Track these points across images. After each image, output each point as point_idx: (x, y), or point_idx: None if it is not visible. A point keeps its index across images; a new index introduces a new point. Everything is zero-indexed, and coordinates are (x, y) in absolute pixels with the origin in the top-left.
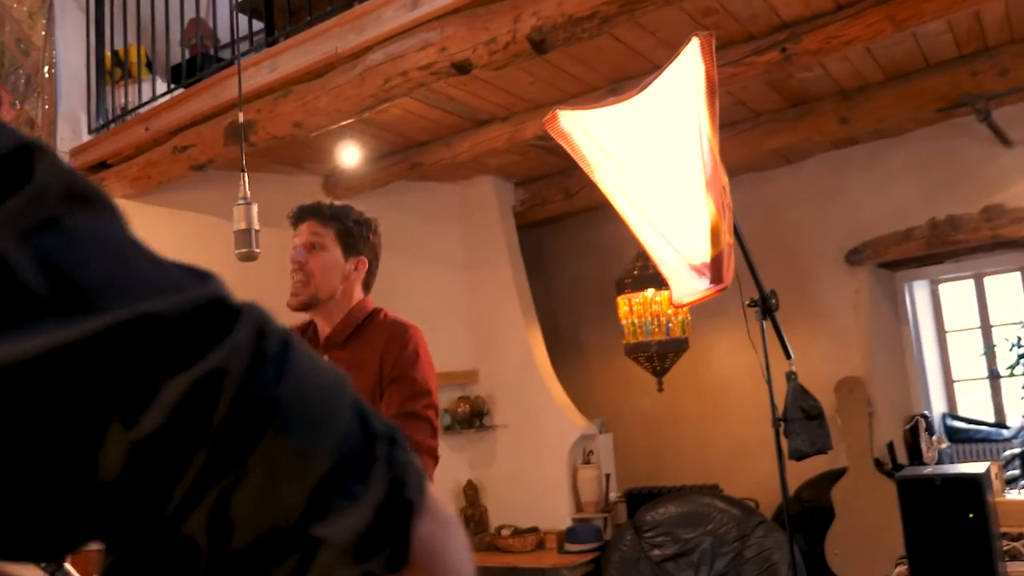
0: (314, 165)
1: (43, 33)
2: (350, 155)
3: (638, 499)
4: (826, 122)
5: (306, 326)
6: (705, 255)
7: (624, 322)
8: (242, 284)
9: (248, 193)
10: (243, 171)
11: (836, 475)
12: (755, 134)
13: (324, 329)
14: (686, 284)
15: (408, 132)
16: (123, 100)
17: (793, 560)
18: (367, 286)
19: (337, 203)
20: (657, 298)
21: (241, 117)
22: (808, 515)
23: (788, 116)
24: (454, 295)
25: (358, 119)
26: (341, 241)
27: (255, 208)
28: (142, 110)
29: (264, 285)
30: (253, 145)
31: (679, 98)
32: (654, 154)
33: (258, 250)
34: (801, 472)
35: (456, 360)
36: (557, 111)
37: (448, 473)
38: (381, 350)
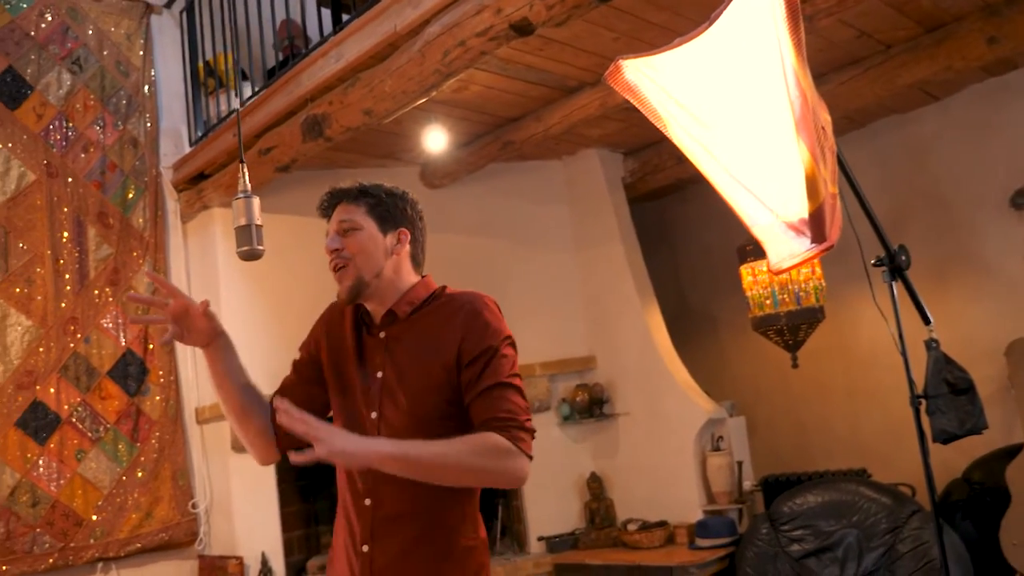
0: (409, 154)
1: (141, 53)
2: (436, 140)
3: (775, 487)
4: (971, 45)
5: (347, 311)
6: (802, 210)
7: (749, 293)
8: (332, 287)
9: (248, 186)
10: (241, 162)
11: (1012, 452)
12: (886, 69)
13: (378, 311)
14: (783, 246)
15: (493, 109)
16: (217, 110)
17: (944, 560)
18: (416, 261)
19: (366, 182)
20: None
21: (238, 107)
22: (979, 499)
23: (924, 44)
24: (566, 279)
25: (435, 101)
26: (375, 215)
27: (256, 201)
28: (232, 117)
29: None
30: (330, 140)
31: (755, 28)
32: (732, 98)
33: (261, 247)
34: (970, 450)
35: (572, 346)
36: (620, 60)
37: (570, 465)
38: (459, 326)
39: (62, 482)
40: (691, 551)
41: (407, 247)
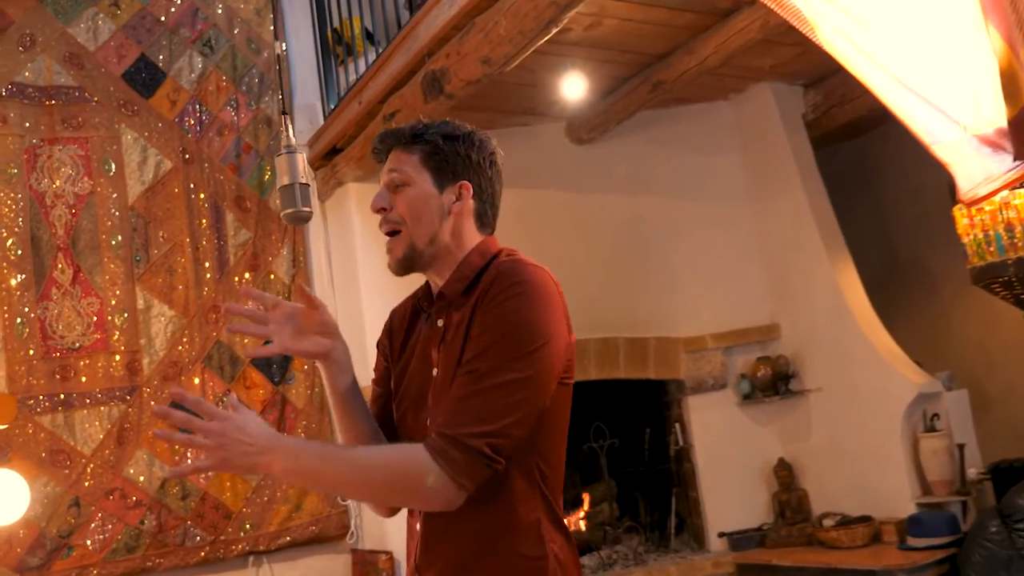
0: (550, 108)
1: (271, 28)
2: (574, 87)
3: (1009, 476)
4: None
5: (418, 296)
6: (998, 117)
7: (965, 239)
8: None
9: (293, 140)
10: (284, 113)
11: None
12: None
13: (438, 286)
14: (977, 166)
15: (635, 45)
16: (346, 80)
17: None
18: (484, 219)
19: (427, 120)
20: (1016, 200)
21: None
22: None
23: None
24: (739, 237)
25: (568, 43)
26: (430, 165)
27: (301, 157)
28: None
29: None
30: (451, 97)
31: None
32: None
33: (308, 209)
34: None
35: (750, 314)
36: None
37: (754, 451)
38: (475, 307)
39: (211, 474)
40: (901, 552)
41: (470, 203)
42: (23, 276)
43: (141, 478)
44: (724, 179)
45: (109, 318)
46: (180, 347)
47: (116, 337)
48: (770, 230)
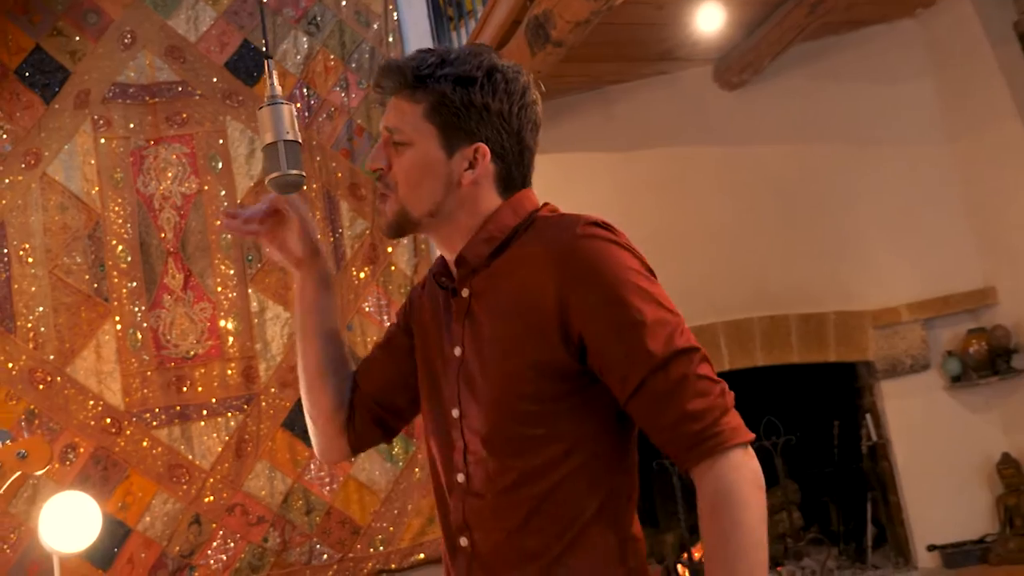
0: (690, 51)
1: None
2: (709, 18)
3: None
4: None
5: (434, 272)
6: None
7: None
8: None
9: (278, 88)
10: (268, 58)
11: None
12: None
13: (450, 259)
14: None
15: None
16: (459, 43)
17: None
18: (509, 183)
19: (441, 50)
20: None
21: None
22: None
23: None
24: (936, 183)
25: None
26: (437, 120)
27: (288, 109)
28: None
29: (647, 223)
30: (559, 44)
31: None
32: None
33: (296, 172)
34: None
35: (955, 277)
36: None
37: (969, 445)
38: (551, 273)
39: (335, 486)
40: None
41: (489, 166)
42: (134, 284)
43: (262, 492)
44: (913, 114)
45: (222, 323)
46: (296, 351)
47: (230, 343)
48: (976, 172)
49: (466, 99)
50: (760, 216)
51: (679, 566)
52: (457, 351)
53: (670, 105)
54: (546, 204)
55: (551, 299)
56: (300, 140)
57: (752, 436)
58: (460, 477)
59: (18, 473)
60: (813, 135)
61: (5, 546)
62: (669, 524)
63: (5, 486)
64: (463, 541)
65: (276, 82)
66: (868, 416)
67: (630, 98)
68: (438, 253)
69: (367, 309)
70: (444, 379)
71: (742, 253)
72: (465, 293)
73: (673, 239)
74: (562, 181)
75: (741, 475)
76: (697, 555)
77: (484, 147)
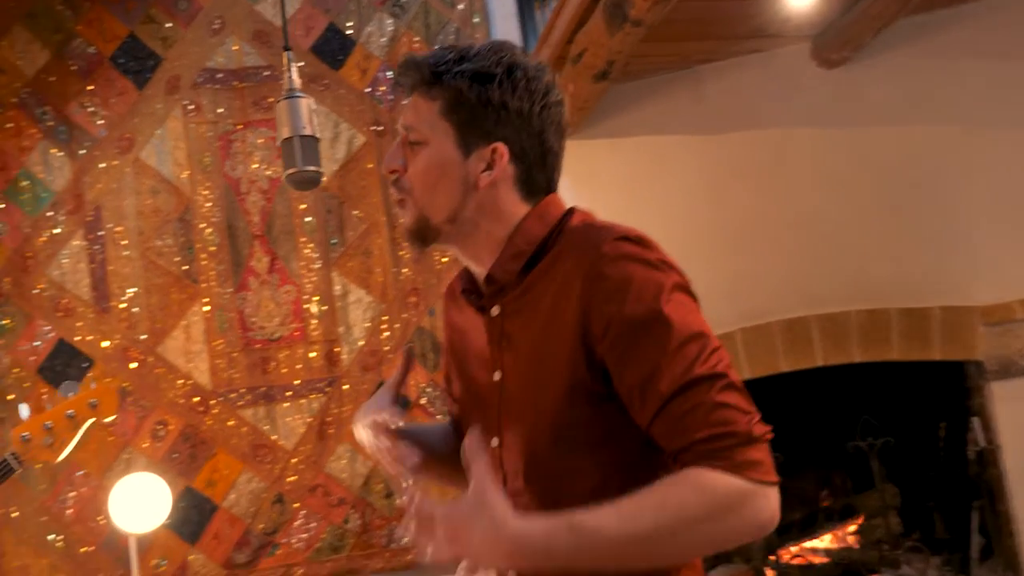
0: (786, 25)
1: None
2: None
3: None
4: None
5: (462, 284)
6: None
7: None
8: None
9: (296, 81)
10: (286, 48)
11: None
12: None
13: (479, 272)
14: None
15: None
16: (543, 19)
17: None
18: (531, 187)
19: (462, 46)
20: None
21: None
22: None
23: None
24: None
25: None
26: (454, 119)
27: (306, 103)
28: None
29: (739, 209)
30: (638, 24)
31: None
32: None
33: (314, 168)
34: None
35: None
36: None
37: None
38: (576, 289)
39: None
40: None
41: (507, 169)
42: (222, 267)
43: (343, 475)
44: None
45: (306, 307)
46: (379, 335)
47: (313, 326)
48: None
49: (483, 96)
50: (860, 203)
51: (767, 569)
52: (496, 376)
53: (764, 85)
54: (574, 210)
55: (575, 322)
56: (318, 135)
57: (773, 479)
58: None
59: (91, 420)
60: (919, 116)
61: (100, 517)
62: None
63: (80, 434)
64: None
65: (295, 75)
66: (976, 419)
67: (721, 78)
68: None
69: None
70: (485, 405)
71: (839, 242)
72: (496, 312)
73: (765, 226)
74: (648, 165)
75: (732, 488)
76: (786, 557)
77: (502, 147)
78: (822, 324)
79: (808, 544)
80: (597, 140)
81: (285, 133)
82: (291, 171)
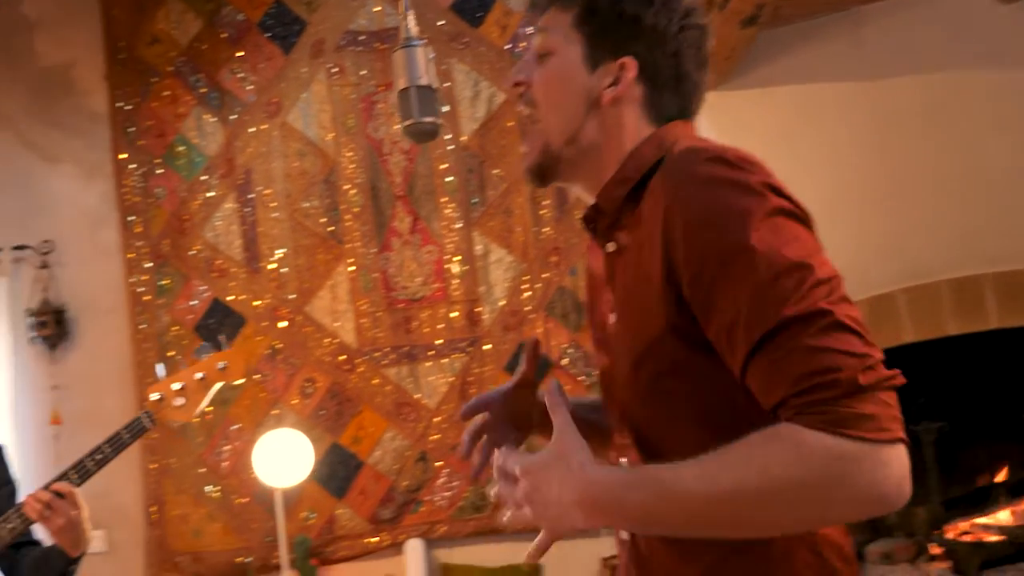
0: None
1: None
2: None
3: None
4: None
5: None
6: None
7: None
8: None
9: (412, 29)
10: None
11: None
12: None
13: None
14: None
15: None
16: None
17: None
18: (660, 110)
19: None
20: None
21: None
22: None
23: None
24: None
25: None
26: (585, 29)
27: (423, 52)
28: None
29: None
30: None
31: None
32: None
33: (431, 119)
34: None
35: None
36: None
37: None
38: (659, 217)
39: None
40: None
41: (634, 88)
42: (366, 228)
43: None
44: None
45: (447, 266)
46: (519, 295)
47: (455, 286)
48: None
49: (617, 8)
50: None
51: (931, 545)
52: (612, 319)
53: (933, 24)
54: (691, 134)
55: (660, 258)
56: (436, 85)
57: (890, 436)
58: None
59: (220, 384)
60: None
61: (252, 470)
62: (921, 497)
63: (210, 396)
64: (623, 533)
65: (411, 23)
66: None
67: (883, 18)
68: None
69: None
70: (606, 351)
71: (1018, 193)
72: (611, 248)
73: (932, 178)
74: (801, 116)
75: (831, 446)
76: (953, 533)
77: (631, 62)
78: (997, 283)
79: (980, 520)
80: (745, 91)
81: (401, 84)
82: (408, 123)
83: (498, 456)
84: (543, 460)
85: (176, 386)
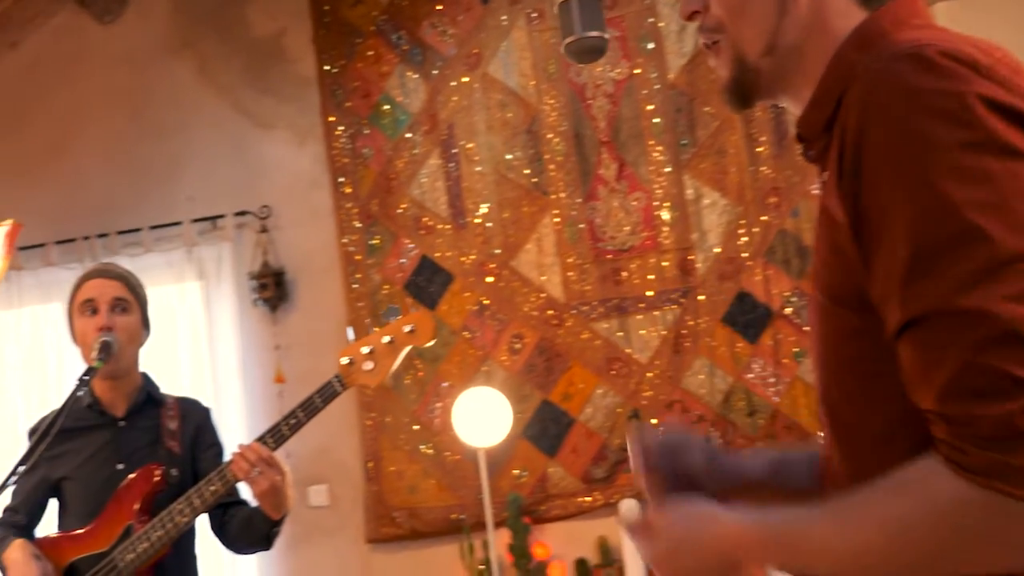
0: None
1: None
2: None
3: None
4: None
5: None
6: None
7: None
8: None
9: None
10: None
11: None
12: None
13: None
14: None
15: None
16: None
17: None
18: None
19: None
20: None
21: None
22: None
23: None
24: None
25: None
26: None
27: None
28: None
29: None
30: None
31: None
32: None
33: (596, 34)
34: None
35: None
36: None
37: None
38: (846, 143)
39: (781, 387)
40: None
41: None
42: (570, 177)
43: (702, 390)
44: None
45: (656, 213)
46: (735, 240)
47: (665, 234)
48: None
49: None
50: None
51: None
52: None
53: None
54: (912, 22)
55: (840, 196)
56: None
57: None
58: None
59: (409, 347)
60: None
61: None
62: None
63: (399, 359)
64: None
65: None
66: None
67: None
68: None
69: (814, 191)
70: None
71: None
72: (816, 189)
73: None
74: None
75: (974, 517)
76: None
77: None
78: None
79: None
80: None
81: None
82: (569, 40)
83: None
84: (674, 511)
85: (365, 350)
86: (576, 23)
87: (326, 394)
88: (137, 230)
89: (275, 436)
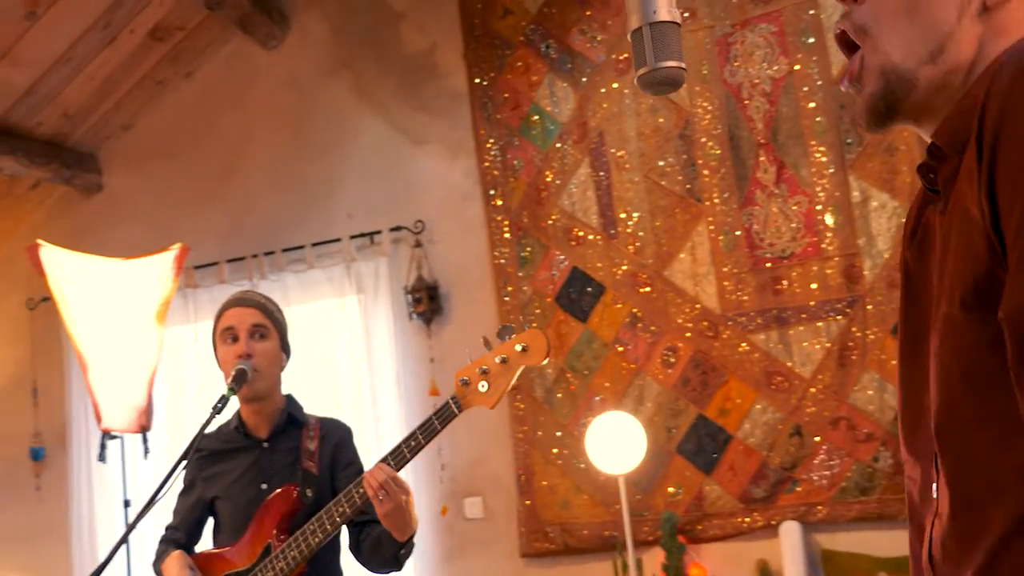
0: None
1: None
2: None
3: None
4: None
5: None
6: None
7: None
8: None
9: None
10: None
11: None
12: None
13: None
14: None
15: None
16: None
17: None
18: None
19: None
20: None
21: None
22: None
23: None
24: None
25: None
26: None
27: None
28: None
29: None
30: None
31: None
32: None
33: (672, 64)
34: None
35: None
36: None
37: None
38: (974, 155)
39: None
40: None
41: None
42: (725, 182)
43: (870, 406)
44: None
45: (819, 218)
46: None
47: (828, 239)
48: None
49: None
50: None
51: None
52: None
53: None
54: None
55: (975, 194)
56: (678, 20)
57: None
58: (933, 490)
59: (523, 366)
60: None
61: None
62: None
63: (514, 379)
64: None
65: None
66: None
67: None
68: None
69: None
70: (924, 346)
71: None
72: (941, 201)
73: None
74: None
75: None
76: None
77: None
78: None
79: None
80: None
81: (634, 23)
82: (641, 71)
83: None
84: None
85: (480, 370)
86: (649, 53)
87: (444, 416)
88: (300, 247)
89: (396, 458)
